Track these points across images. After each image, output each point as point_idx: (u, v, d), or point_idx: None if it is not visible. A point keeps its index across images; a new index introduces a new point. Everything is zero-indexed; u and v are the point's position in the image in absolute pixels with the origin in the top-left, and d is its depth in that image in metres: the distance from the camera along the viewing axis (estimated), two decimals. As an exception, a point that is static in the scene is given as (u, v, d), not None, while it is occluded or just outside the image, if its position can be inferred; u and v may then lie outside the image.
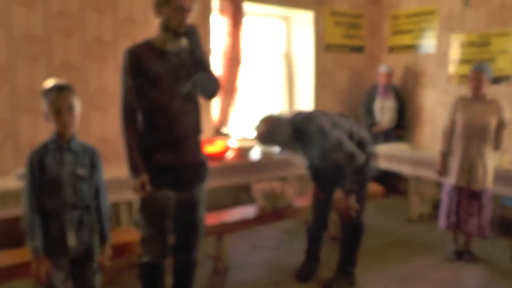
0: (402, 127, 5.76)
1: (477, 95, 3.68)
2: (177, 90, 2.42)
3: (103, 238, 2.30)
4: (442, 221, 3.88)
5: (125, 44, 2.44)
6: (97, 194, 2.25)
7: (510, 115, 3.72)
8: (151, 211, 2.47)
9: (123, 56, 2.39)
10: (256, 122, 2.96)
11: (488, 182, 3.68)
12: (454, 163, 3.73)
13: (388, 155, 5.04)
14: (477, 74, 3.63)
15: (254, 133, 2.96)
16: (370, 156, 3.18)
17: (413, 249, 4.10)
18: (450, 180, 3.76)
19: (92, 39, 4.01)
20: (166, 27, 2.39)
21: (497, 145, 3.69)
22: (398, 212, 5.15)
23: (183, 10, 2.34)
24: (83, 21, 3.94)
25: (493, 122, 3.61)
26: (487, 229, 3.75)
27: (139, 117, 2.44)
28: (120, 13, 4.12)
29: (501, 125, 3.65)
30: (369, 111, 5.69)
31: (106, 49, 4.08)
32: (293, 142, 2.99)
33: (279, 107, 5.75)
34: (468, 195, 3.70)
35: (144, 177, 2.38)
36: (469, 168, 3.66)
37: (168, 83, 2.40)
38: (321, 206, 3.41)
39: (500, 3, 4.87)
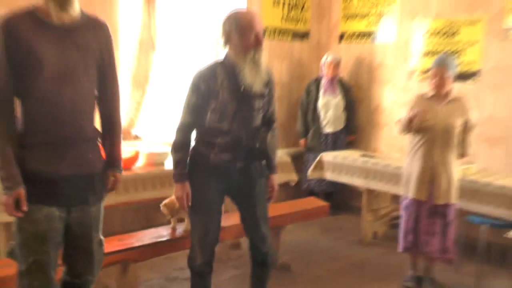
0: (353, 131, 5.89)
1: (439, 94, 3.79)
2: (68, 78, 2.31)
3: None
4: (401, 242, 3.95)
5: (2, 14, 2.30)
6: None
7: (476, 116, 3.87)
8: (28, 236, 2.31)
9: None
10: None
11: (453, 195, 3.79)
12: (413, 173, 3.82)
13: (336, 165, 5.11)
14: (440, 70, 3.73)
15: None
16: None
17: (366, 276, 4.17)
18: (409, 193, 3.85)
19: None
20: None
21: (463, 152, 3.83)
22: (348, 233, 5.24)
23: None
24: None
25: (457, 124, 3.74)
26: (452, 251, 3.85)
27: (16, 112, 2.30)
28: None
29: (466, 128, 3.78)
30: (307, 110, 5.79)
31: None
32: None
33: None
34: (429, 211, 3.80)
35: (20, 191, 2.24)
36: (430, 178, 3.74)
37: (56, 67, 2.28)
38: None
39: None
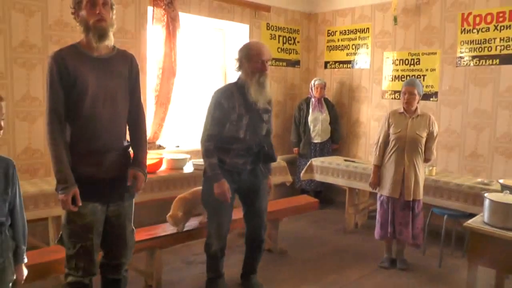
0: (337, 141, 5.88)
1: (409, 109, 3.79)
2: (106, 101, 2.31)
3: (16, 258, 2.07)
4: (378, 231, 3.95)
5: (54, 49, 2.33)
6: (12, 210, 2.03)
7: (437, 129, 3.88)
8: (77, 227, 2.32)
9: (48, 61, 2.25)
10: None
11: (419, 193, 3.79)
12: (388, 175, 3.81)
13: (323, 168, 5.10)
14: (410, 88, 3.74)
15: None
16: None
17: (348, 259, 4.14)
18: (384, 192, 3.85)
19: (18, 43, 3.78)
20: (86, 27, 2.26)
21: (428, 157, 3.82)
22: (334, 223, 5.22)
23: (95, 3, 2.24)
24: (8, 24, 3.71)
25: (423, 135, 3.74)
26: (420, 238, 3.86)
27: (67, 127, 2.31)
28: (49, 16, 3.93)
29: (431, 138, 3.79)
30: (299, 124, 5.78)
31: (34, 53, 3.86)
32: None
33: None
34: (401, 206, 3.79)
35: (76, 190, 2.25)
36: (402, 179, 3.75)
37: (97, 91, 2.28)
38: None
39: (427, 25, 5.12)
